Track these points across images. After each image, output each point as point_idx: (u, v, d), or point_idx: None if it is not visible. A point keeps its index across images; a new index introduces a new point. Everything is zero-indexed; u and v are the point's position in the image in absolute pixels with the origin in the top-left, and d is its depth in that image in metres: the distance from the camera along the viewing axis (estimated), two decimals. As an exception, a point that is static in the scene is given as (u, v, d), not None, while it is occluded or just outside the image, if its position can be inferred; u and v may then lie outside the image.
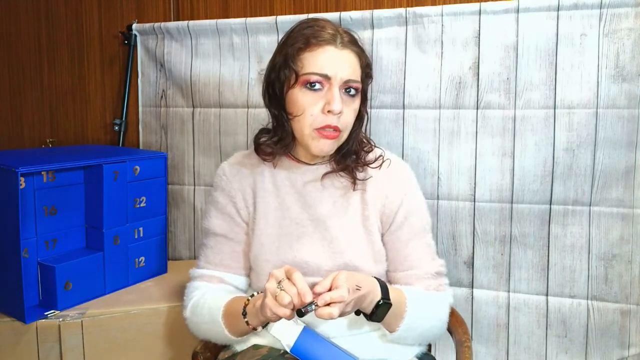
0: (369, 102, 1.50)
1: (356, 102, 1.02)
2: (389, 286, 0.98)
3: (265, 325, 0.97)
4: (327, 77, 0.96)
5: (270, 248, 1.05)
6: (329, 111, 0.96)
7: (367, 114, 1.10)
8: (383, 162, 1.08)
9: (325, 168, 1.08)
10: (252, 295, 0.98)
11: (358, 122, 1.06)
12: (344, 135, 1.02)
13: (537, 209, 1.43)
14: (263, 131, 1.10)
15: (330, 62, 0.96)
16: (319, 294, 0.85)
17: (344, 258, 1.03)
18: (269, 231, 1.06)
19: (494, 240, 1.47)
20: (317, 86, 0.97)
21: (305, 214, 1.06)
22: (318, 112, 0.97)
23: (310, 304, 0.84)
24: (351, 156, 1.06)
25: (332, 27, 1.00)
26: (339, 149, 1.06)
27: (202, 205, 1.74)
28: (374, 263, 1.05)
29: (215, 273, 1.09)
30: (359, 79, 1.01)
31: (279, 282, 0.87)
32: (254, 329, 0.97)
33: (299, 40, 0.98)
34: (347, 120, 1.00)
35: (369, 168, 1.08)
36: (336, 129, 0.98)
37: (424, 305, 1.03)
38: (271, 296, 0.86)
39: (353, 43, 1.00)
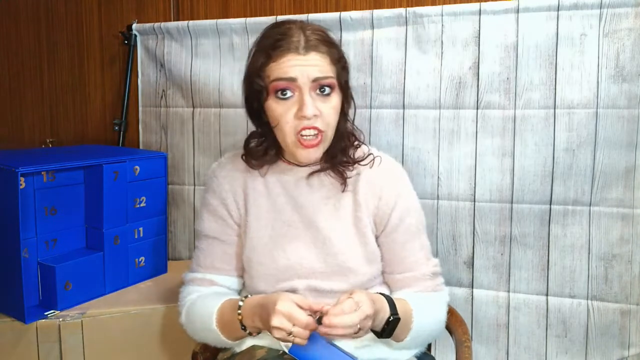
0: (368, 101, 1.52)
1: (334, 100, 0.99)
2: (394, 299, 0.97)
3: None
4: (293, 80, 0.95)
5: (263, 250, 1.05)
6: (302, 116, 0.95)
7: (354, 106, 1.07)
8: (373, 159, 1.08)
9: (315, 168, 1.07)
10: (244, 298, 0.98)
11: (342, 117, 1.04)
12: (329, 135, 1.00)
13: (537, 209, 1.43)
14: (254, 135, 1.09)
15: (294, 67, 0.94)
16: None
17: (337, 260, 1.02)
18: (261, 233, 1.06)
19: (494, 240, 1.47)
20: (288, 93, 0.96)
21: (297, 215, 1.06)
22: (292, 119, 0.96)
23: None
24: (339, 153, 1.05)
25: (296, 32, 0.96)
26: (327, 151, 1.05)
27: (202, 205, 1.74)
28: (368, 264, 1.05)
29: (206, 276, 1.09)
30: (330, 74, 0.97)
31: (290, 334, 0.87)
32: (258, 333, 0.99)
33: (261, 54, 0.98)
34: (327, 120, 0.98)
35: (358, 166, 1.07)
36: (316, 129, 0.97)
37: (428, 312, 1.03)
38: (284, 333, 0.87)
39: (321, 42, 0.97)
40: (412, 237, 1.07)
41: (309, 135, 0.97)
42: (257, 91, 1.00)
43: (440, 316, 1.06)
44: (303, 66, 0.94)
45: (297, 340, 0.87)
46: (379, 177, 1.08)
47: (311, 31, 0.98)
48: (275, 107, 0.98)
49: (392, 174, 1.10)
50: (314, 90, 0.96)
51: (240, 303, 0.97)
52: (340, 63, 1.00)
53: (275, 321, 0.87)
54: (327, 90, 0.97)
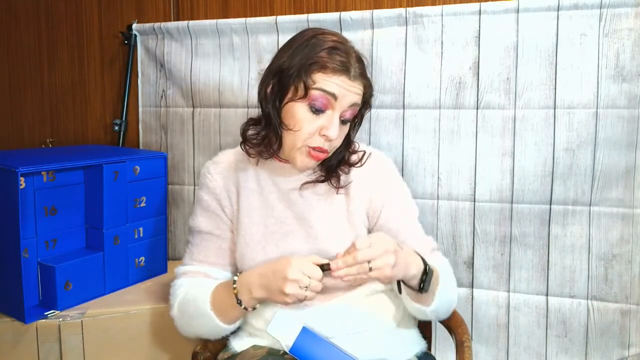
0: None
1: (347, 127, 1.04)
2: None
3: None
4: (334, 97, 0.96)
5: (256, 247, 1.06)
6: (324, 134, 0.98)
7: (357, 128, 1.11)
8: (364, 156, 1.10)
9: (310, 178, 1.08)
10: (238, 274, 1.00)
11: (346, 140, 1.07)
12: (329, 154, 1.04)
13: (537, 209, 1.43)
14: (250, 122, 1.09)
15: (340, 87, 0.97)
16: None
17: (329, 254, 1.03)
18: (253, 230, 1.07)
19: (494, 240, 1.47)
20: (320, 109, 0.97)
21: (290, 212, 1.07)
22: (314, 132, 0.98)
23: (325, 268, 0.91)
24: (335, 164, 1.08)
25: (349, 55, 0.98)
26: (324, 161, 1.07)
27: (202, 205, 1.74)
28: None
29: (199, 268, 1.09)
30: (360, 103, 1.02)
31: (306, 287, 0.90)
32: (253, 308, 1.00)
33: (316, 61, 0.96)
34: (336, 145, 1.03)
35: (352, 169, 1.10)
36: (324, 152, 1.01)
37: (446, 273, 1.06)
38: (296, 299, 0.91)
39: (363, 75, 1.00)
40: (406, 225, 1.10)
41: (319, 150, 1.00)
42: (288, 83, 0.99)
43: (453, 281, 1.10)
44: (348, 91, 0.97)
45: (310, 295, 0.91)
46: (369, 171, 1.10)
47: (356, 58, 1.00)
48: (303, 115, 0.98)
49: (381, 166, 1.13)
50: (341, 115, 0.99)
51: (235, 278, 1.00)
52: (365, 97, 1.03)
53: (292, 274, 0.90)
54: (348, 118, 1.01)
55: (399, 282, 0.99)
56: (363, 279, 0.90)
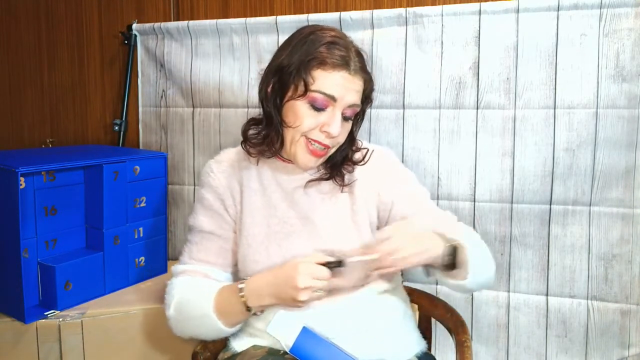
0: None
1: (349, 124, 1.04)
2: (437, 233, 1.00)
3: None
4: (334, 99, 0.97)
5: (259, 248, 1.05)
6: (325, 131, 0.98)
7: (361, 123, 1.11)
8: (367, 154, 1.10)
9: (314, 177, 1.08)
10: (244, 280, 1.00)
11: (350, 137, 1.07)
12: (331, 151, 1.04)
13: (537, 209, 1.43)
14: (251, 122, 1.09)
15: (340, 86, 0.97)
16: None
17: (333, 255, 1.03)
18: (255, 231, 1.06)
19: (494, 240, 1.47)
20: (321, 108, 0.97)
21: (292, 212, 1.06)
22: (314, 127, 0.99)
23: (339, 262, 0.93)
24: (340, 161, 1.08)
25: (348, 50, 0.98)
26: (328, 159, 1.07)
27: (202, 205, 1.74)
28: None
29: (199, 268, 1.08)
30: (359, 102, 1.01)
31: (317, 290, 0.92)
32: (262, 312, 1.01)
33: (315, 57, 0.96)
34: (338, 141, 1.02)
35: (356, 168, 1.09)
36: (326, 147, 1.00)
37: (473, 242, 1.04)
38: (310, 302, 0.94)
39: (363, 69, 1.00)
40: (421, 208, 1.10)
41: (318, 144, 1.00)
42: (288, 82, 0.99)
43: (483, 247, 1.08)
44: (347, 88, 0.97)
45: (323, 294, 0.93)
46: (372, 167, 1.10)
47: (356, 52, 1.00)
48: (304, 112, 0.98)
49: (383, 161, 1.13)
50: (343, 112, 0.99)
51: (241, 285, 0.99)
52: (367, 94, 1.04)
53: (303, 282, 0.91)
54: (350, 115, 1.01)
55: (425, 267, 1.00)
56: (390, 272, 0.92)
